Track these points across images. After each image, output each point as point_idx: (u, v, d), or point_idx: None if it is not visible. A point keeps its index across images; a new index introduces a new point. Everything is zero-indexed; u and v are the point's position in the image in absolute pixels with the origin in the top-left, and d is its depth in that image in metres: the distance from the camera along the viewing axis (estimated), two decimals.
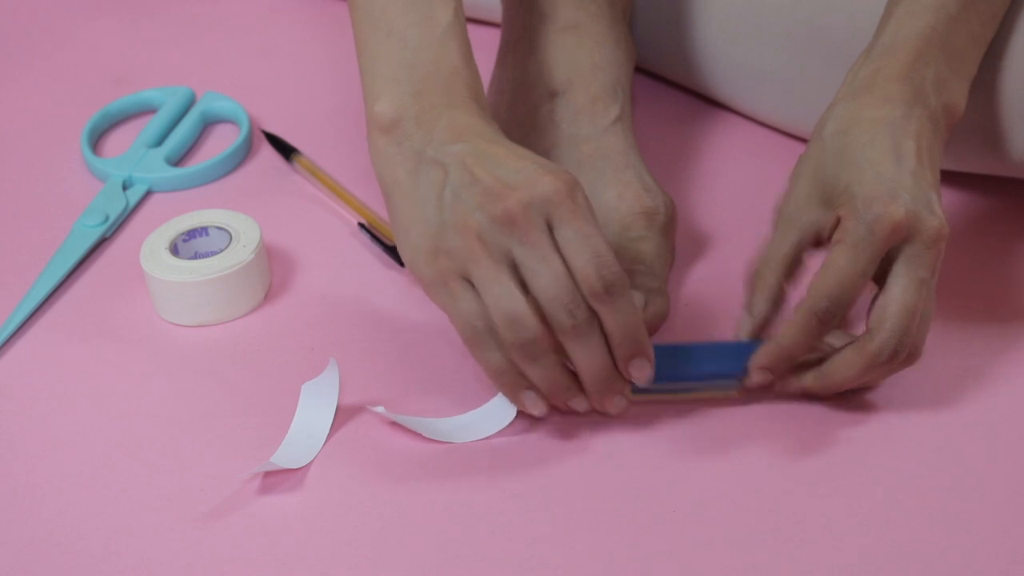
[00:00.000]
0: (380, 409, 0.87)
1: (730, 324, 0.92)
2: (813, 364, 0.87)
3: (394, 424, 0.89)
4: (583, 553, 0.82)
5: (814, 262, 0.87)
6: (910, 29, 0.88)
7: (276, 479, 0.86)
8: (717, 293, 0.96)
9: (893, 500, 0.84)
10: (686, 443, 0.87)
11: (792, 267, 0.88)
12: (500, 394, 0.88)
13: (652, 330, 0.93)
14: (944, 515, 0.83)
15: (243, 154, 1.12)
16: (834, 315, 0.84)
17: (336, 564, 0.82)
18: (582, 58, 1.00)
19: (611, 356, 0.84)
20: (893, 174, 0.84)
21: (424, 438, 0.88)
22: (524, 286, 0.83)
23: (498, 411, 0.89)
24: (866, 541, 0.82)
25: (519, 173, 0.83)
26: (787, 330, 0.86)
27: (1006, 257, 0.99)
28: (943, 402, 0.89)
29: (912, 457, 0.86)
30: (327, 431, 0.88)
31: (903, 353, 0.85)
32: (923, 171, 0.85)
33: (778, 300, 0.88)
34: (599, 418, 0.89)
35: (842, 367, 0.86)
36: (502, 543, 0.83)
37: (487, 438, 0.88)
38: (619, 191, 0.96)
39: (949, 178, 1.02)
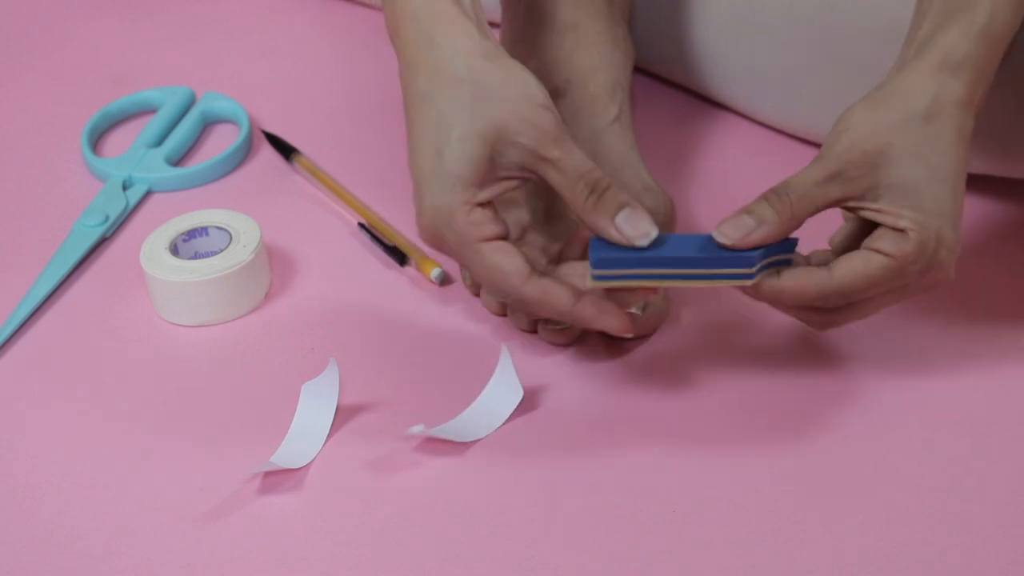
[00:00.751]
0: (418, 428, 0.86)
1: (732, 323, 0.92)
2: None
3: (394, 425, 0.89)
4: (583, 553, 0.82)
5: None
6: (974, 33, 0.86)
7: (276, 479, 0.86)
8: (718, 292, 0.96)
9: (893, 500, 0.84)
10: (686, 443, 0.87)
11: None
12: (499, 371, 0.89)
13: (652, 329, 0.93)
14: (944, 515, 0.83)
15: (243, 154, 1.12)
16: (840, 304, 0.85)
17: (336, 564, 0.82)
18: (581, 59, 1.00)
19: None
20: (952, 211, 0.84)
21: (424, 439, 0.88)
22: None
23: (506, 389, 0.89)
24: (866, 541, 0.82)
25: (416, 200, 0.86)
26: (792, 287, 0.84)
27: (1009, 260, 0.99)
28: (944, 402, 0.89)
29: (912, 457, 0.86)
30: (327, 431, 0.88)
31: (834, 313, 0.86)
32: (961, 213, 0.85)
33: (789, 231, 0.85)
34: (599, 419, 0.89)
35: (789, 285, 0.85)
36: (502, 543, 0.83)
37: (493, 431, 0.88)
38: None
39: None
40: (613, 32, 1.03)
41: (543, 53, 1.00)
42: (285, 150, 1.11)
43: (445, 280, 0.98)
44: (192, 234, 1.00)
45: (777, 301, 0.85)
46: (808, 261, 0.88)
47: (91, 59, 1.23)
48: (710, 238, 0.84)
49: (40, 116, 1.18)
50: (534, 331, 0.94)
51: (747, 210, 0.84)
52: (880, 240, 0.84)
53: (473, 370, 0.91)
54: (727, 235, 0.83)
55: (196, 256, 1.00)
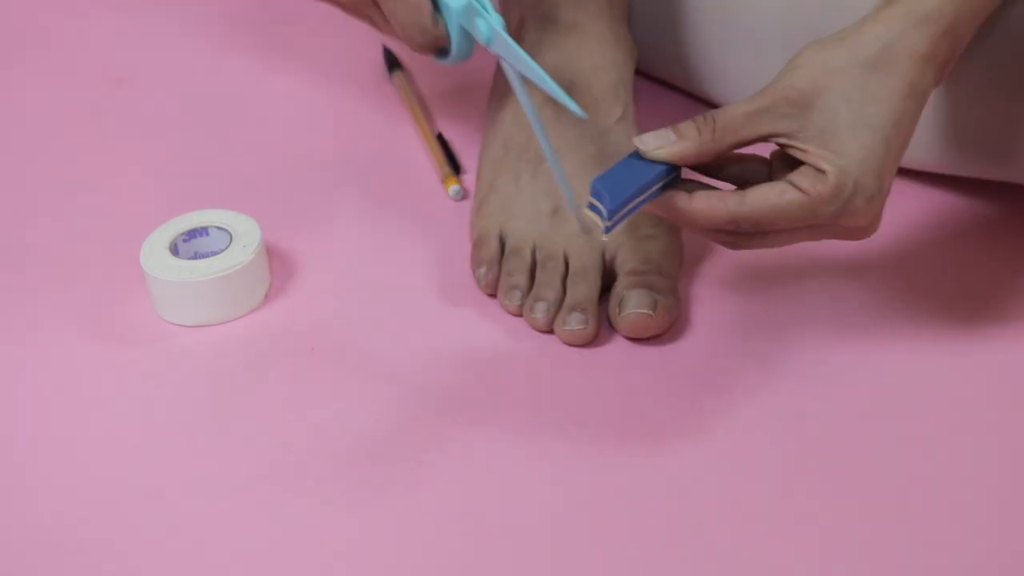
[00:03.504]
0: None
1: (740, 322, 0.92)
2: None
3: (395, 425, 0.89)
4: (582, 553, 0.82)
5: None
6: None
7: (275, 480, 0.86)
8: (727, 291, 0.97)
9: (893, 500, 0.84)
10: (686, 443, 0.88)
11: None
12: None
13: (663, 329, 0.93)
14: (946, 515, 0.83)
15: None
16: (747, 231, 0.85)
17: (336, 564, 0.82)
18: (584, 59, 1.01)
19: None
20: (879, 161, 0.83)
21: (423, 441, 0.88)
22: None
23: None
24: (866, 541, 0.82)
25: None
26: (703, 208, 0.84)
27: (1009, 262, 0.99)
28: (945, 402, 0.89)
29: (913, 457, 0.86)
30: None
31: (745, 238, 0.85)
32: (895, 166, 0.85)
33: (709, 155, 0.85)
34: (600, 418, 0.89)
35: (699, 205, 0.85)
36: (502, 544, 0.83)
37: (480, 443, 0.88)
38: None
39: (958, 183, 1.03)
40: (615, 32, 1.03)
41: (545, 55, 1.01)
42: (391, 64, 1.18)
43: (464, 196, 1.05)
44: (192, 234, 1.00)
45: (687, 221, 0.85)
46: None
47: (91, 59, 1.23)
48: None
49: (40, 116, 1.18)
50: (550, 331, 0.94)
51: (673, 126, 0.85)
52: (799, 176, 0.84)
53: (481, 370, 0.91)
54: (646, 143, 0.84)
55: (196, 256, 1.00)
